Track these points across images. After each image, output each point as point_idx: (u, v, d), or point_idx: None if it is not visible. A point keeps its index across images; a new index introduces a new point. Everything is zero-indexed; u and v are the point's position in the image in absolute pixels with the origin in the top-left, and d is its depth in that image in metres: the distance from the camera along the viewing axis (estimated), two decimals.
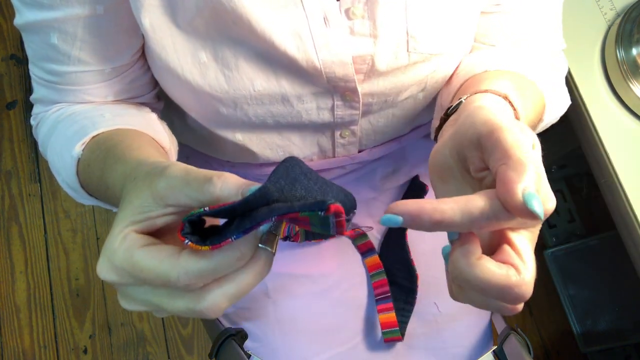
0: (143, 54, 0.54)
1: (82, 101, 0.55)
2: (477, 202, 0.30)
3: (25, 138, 1.55)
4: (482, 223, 0.30)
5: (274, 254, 0.32)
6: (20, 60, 1.61)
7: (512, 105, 0.42)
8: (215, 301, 0.31)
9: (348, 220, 0.33)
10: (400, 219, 0.30)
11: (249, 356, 0.72)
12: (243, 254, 0.30)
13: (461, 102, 0.43)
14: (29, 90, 1.59)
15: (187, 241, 0.29)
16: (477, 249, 0.31)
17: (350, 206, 0.37)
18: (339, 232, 0.31)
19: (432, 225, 0.30)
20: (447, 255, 0.33)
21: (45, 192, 1.51)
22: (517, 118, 0.42)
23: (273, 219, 0.29)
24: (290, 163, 0.32)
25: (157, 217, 0.32)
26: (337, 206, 0.29)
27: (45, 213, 1.50)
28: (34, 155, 1.54)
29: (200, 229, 0.32)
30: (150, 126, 0.53)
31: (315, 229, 0.32)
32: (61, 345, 1.41)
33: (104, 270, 0.32)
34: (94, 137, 0.48)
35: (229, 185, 0.30)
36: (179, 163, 0.34)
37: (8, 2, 1.64)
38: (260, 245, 0.31)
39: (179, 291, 0.31)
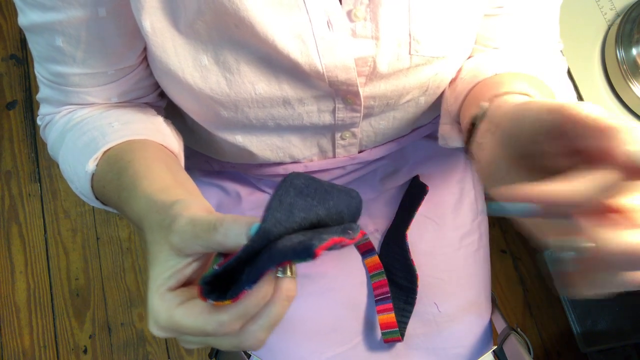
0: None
1: (87, 102, 0.55)
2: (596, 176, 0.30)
3: (25, 138, 1.55)
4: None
5: (294, 277, 0.34)
6: (20, 60, 1.61)
7: None
8: (255, 336, 0.34)
9: (351, 231, 0.34)
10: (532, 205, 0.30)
11: (248, 356, 0.72)
12: (264, 293, 0.32)
13: (484, 108, 0.43)
14: (29, 90, 1.59)
15: (209, 301, 0.32)
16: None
17: (355, 209, 0.37)
18: (344, 246, 0.33)
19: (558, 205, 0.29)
20: (554, 258, 0.31)
21: (45, 192, 1.51)
22: None
23: (273, 267, 0.31)
24: (283, 188, 0.32)
25: (183, 268, 0.35)
26: (323, 247, 0.30)
27: (45, 213, 1.50)
28: (34, 155, 1.54)
29: (218, 281, 0.33)
30: (159, 131, 0.53)
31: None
32: (61, 345, 1.41)
33: (154, 330, 0.35)
34: (105, 151, 0.49)
35: (232, 230, 0.32)
36: (184, 210, 0.35)
37: (8, 2, 1.64)
38: (278, 275, 0.33)
39: (222, 336, 0.34)
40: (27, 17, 0.48)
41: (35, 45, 0.51)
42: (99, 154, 0.49)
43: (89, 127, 0.52)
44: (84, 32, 0.47)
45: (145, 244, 0.38)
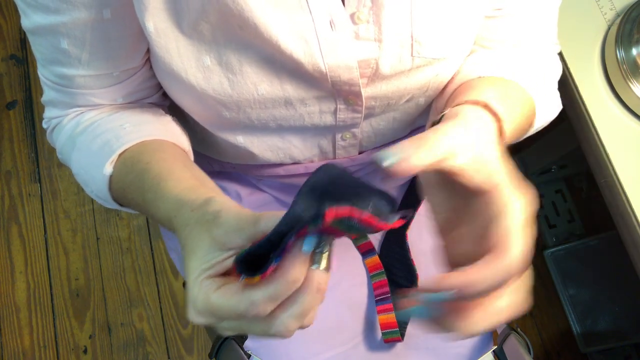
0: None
1: (92, 104, 0.55)
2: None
3: (25, 138, 1.55)
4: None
5: (327, 270, 0.35)
6: (20, 60, 1.61)
7: (493, 112, 0.43)
8: (284, 323, 0.35)
9: (383, 217, 0.34)
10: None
11: (248, 356, 0.72)
12: (294, 277, 0.33)
13: (443, 116, 0.44)
14: (29, 90, 1.59)
15: (242, 277, 0.34)
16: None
17: (391, 208, 0.38)
18: (373, 229, 0.33)
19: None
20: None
21: (45, 192, 1.51)
22: (498, 123, 0.43)
23: (293, 238, 0.32)
24: (317, 176, 0.33)
25: (223, 260, 0.36)
26: (332, 212, 0.30)
27: (45, 213, 1.50)
28: (34, 155, 1.54)
29: (252, 263, 0.35)
30: (170, 131, 0.54)
31: (355, 233, 0.34)
32: (61, 345, 1.41)
33: (193, 316, 0.36)
34: (120, 154, 0.50)
35: (273, 221, 0.34)
36: (226, 206, 0.37)
37: (8, 2, 1.64)
38: (313, 267, 0.34)
39: (254, 320, 0.35)
40: (30, 20, 0.48)
41: (39, 48, 0.50)
42: (115, 156, 0.50)
43: (101, 129, 0.53)
44: (89, 34, 0.47)
45: (178, 239, 0.39)
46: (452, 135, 0.37)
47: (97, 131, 0.53)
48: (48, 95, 0.56)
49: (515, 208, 0.36)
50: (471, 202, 0.39)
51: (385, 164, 0.34)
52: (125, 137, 0.51)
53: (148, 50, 0.52)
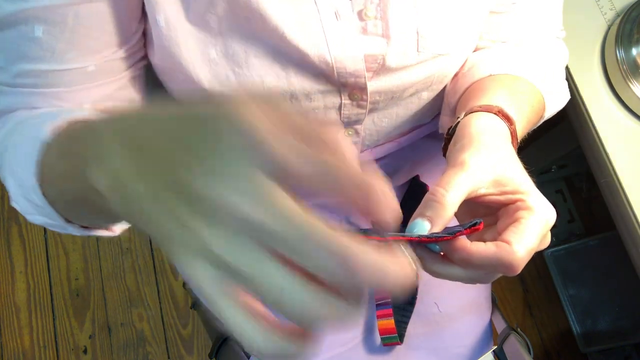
0: (134, 57, 0.51)
1: (53, 107, 0.49)
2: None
3: None
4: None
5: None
6: None
7: (506, 117, 0.46)
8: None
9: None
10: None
11: (248, 356, 0.72)
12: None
13: (457, 121, 0.47)
14: None
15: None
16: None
17: None
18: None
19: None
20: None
21: None
22: (512, 126, 0.46)
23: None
24: None
25: None
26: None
27: None
28: None
29: None
30: None
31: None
32: (61, 345, 1.41)
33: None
34: (72, 123, 0.39)
35: None
36: None
37: None
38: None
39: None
40: (1, 10, 0.43)
41: (4, 44, 0.46)
42: (61, 121, 0.39)
43: (52, 110, 0.46)
44: (72, 18, 0.44)
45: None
46: (472, 170, 0.40)
47: (47, 112, 0.46)
48: (0, 103, 0.49)
49: (540, 213, 0.39)
50: (495, 211, 0.42)
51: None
52: (82, 112, 0.43)
53: (133, 46, 0.50)
